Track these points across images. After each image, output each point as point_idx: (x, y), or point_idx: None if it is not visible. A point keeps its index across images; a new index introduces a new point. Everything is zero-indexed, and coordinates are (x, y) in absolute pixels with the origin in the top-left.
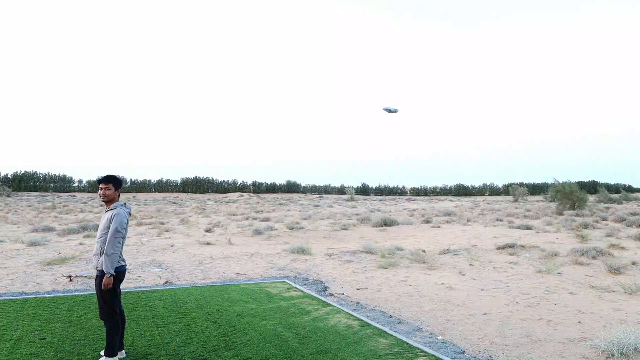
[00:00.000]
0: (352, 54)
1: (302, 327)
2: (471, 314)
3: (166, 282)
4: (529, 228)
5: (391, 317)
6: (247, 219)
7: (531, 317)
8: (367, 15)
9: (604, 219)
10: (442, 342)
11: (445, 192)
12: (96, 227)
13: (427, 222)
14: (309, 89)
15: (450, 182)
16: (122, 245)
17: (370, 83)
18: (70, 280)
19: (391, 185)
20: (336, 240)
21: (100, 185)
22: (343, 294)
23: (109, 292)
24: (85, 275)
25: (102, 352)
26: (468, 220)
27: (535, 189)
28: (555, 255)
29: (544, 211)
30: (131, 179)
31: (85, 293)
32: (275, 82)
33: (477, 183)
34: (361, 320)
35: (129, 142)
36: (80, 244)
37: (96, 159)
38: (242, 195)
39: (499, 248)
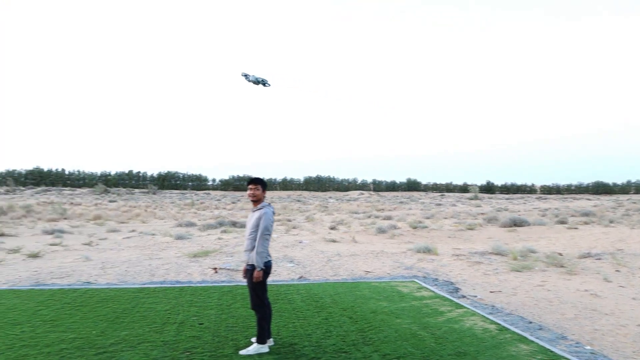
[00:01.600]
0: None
1: (437, 327)
2: (623, 324)
3: (300, 277)
4: None
5: (531, 322)
6: (369, 217)
7: None
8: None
9: None
10: (590, 353)
11: (581, 190)
12: (231, 224)
13: (562, 222)
14: (425, 85)
15: (587, 179)
16: (269, 242)
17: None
18: (216, 272)
19: (519, 183)
20: (462, 240)
21: (250, 186)
22: (476, 296)
23: (259, 285)
24: (228, 267)
25: (252, 339)
26: (610, 222)
27: None
28: None
29: None
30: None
31: (231, 284)
32: (396, 78)
33: (620, 180)
34: (498, 324)
35: (255, 144)
36: (219, 238)
37: (226, 160)
38: (363, 194)
39: None
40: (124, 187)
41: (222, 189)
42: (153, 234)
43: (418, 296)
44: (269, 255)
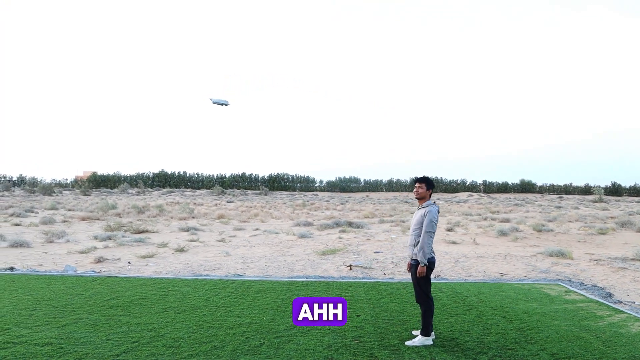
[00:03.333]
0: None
1: (600, 331)
2: None
3: (437, 276)
4: None
5: None
6: (485, 219)
7: None
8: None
9: None
10: None
11: None
12: (347, 223)
13: None
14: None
15: None
16: (433, 239)
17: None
18: (350, 269)
19: None
20: (593, 245)
21: (416, 184)
22: (634, 302)
23: (423, 279)
24: (360, 265)
25: (413, 332)
26: None
27: None
28: None
29: None
30: (364, 179)
31: (372, 280)
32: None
33: None
34: None
35: (355, 146)
36: (339, 237)
37: (332, 163)
38: (472, 195)
39: None
40: (238, 189)
41: (328, 190)
42: (277, 233)
43: (569, 299)
44: (433, 252)
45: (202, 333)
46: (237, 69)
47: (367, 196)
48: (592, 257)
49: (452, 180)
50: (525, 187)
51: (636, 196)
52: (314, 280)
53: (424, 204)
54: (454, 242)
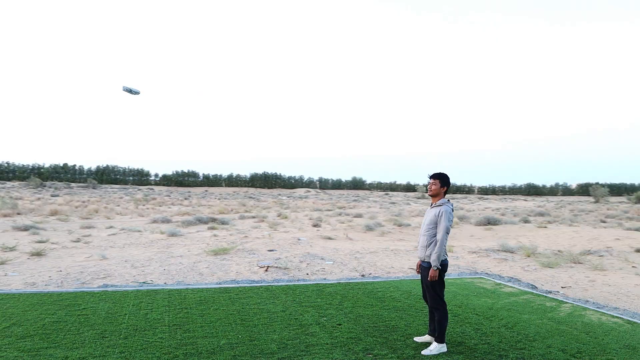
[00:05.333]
0: (407, 51)
1: (571, 322)
2: None
3: (363, 275)
4: None
5: None
6: (339, 214)
7: None
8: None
9: None
10: None
11: (514, 191)
12: (210, 219)
13: (526, 221)
14: (373, 86)
15: (518, 181)
16: (447, 241)
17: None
18: (267, 271)
19: (459, 184)
20: (450, 238)
21: (430, 181)
22: (558, 292)
23: (438, 283)
24: (276, 266)
25: (416, 339)
26: (571, 221)
27: (613, 190)
28: None
29: None
30: (203, 174)
31: (309, 283)
32: (340, 78)
33: (546, 182)
34: (620, 317)
35: (201, 139)
36: (214, 235)
37: (169, 155)
38: (309, 191)
39: (638, 251)
40: (59, 181)
41: (164, 184)
42: (139, 231)
43: (509, 292)
44: (445, 254)
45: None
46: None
47: (206, 191)
48: (467, 250)
49: (291, 177)
50: (357, 184)
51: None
52: (248, 285)
53: (438, 203)
54: (329, 238)
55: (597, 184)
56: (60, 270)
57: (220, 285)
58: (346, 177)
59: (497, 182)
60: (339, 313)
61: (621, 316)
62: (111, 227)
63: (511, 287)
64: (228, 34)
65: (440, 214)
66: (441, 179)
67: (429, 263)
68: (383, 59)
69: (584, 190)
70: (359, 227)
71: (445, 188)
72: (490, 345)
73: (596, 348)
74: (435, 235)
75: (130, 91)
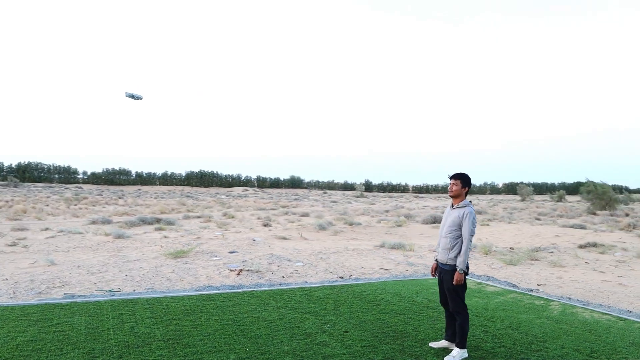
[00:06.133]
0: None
1: (569, 321)
2: None
3: (341, 277)
4: (583, 227)
5: (631, 312)
6: (286, 214)
7: None
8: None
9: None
10: None
11: (446, 190)
12: (155, 220)
13: None
14: (306, 86)
15: (440, 181)
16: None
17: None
18: (239, 274)
19: (394, 183)
20: (398, 236)
21: (451, 181)
22: (539, 289)
23: (460, 287)
24: (248, 269)
25: (431, 344)
26: (510, 219)
27: (536, 189)
28: None
29: (575, 211)
30: (136, 172)
31: (291, 287)
32: (278, 78)
33: (473, 182)
34: (610, 314)
35: (132, 135)
36: (165, 237)
37: (99, 151)
38: (247, 190)
39: (580, 247)
40: None
41: (94, 183)
42: (80, 233)
43: (495, 292)
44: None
45: None
46: None
47: (139, 190)
48: (424, 248)
49: (229, 175)
50: (295, 183)
51: (384, 192)
52: (231, 291)
53: (460, 204)
54: (284, 238)
55: (522, 183)
56: (7, 279)
57: (200, 292)
58: (284, 175)
59: (431, 182)
60: (339, 319)
61: (610, 313)
62: (47, 229)
63: (492, 285)
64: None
65: (464, 216)
66: (462, 179)
67: (452, 266)
68: (333, 55)
69: (510, 189)
70: (310, 226)
71: (467, 189)
72: (506, 348)
73: (607, 347)
74: (458, 237)
75: (132, 97)
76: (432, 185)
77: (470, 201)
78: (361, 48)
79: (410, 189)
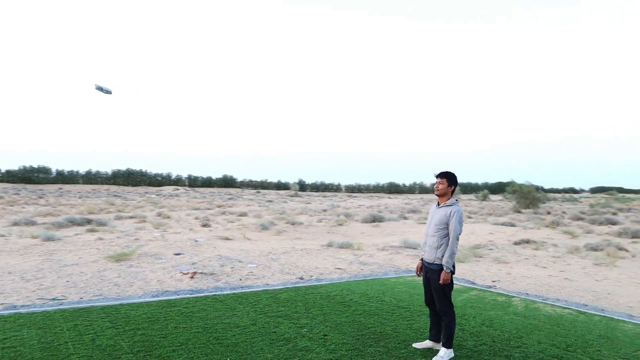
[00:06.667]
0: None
1: (537, 317)
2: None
3: (301, 279)
4: (513, 225)
5: (587, 305)
6: (224, 213)
7: None
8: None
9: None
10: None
11: (377, 189)
12: (85, 221)
13: (405, 218)
14: (236, 84)
15: (371, 180)
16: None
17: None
18: (192, 278)
19: (327, 182)
20: (341, 235)
21: (437, 180)
22: (496, 286)
23: (448, 286)
24: (201, 272)
25: (414, 345)
26: None
27: (462, 188)
28: (577, 250)
29: (501, 209)
30: (57, 169)
31: (254, 290)
32: (207, 73)
33: (402, 181)
34: (569, 308)
35: (49, 129)
36: (100, 238)
37: (14, 146)
38: (178, 189)
39: (516, 243)
40: None
41: (9, 182)
42: (3, 235)
43: (457, 289)
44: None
45: None
46: None
47: (61, 189)
48: (371, 247)
49: (158, 174)
50: (228, 182)
51: (317, 191)
52: (191, 296)
53: (447, 203)
54: (227, 239)
55: None
56: None
57: (159, 298)
58: (216, 174)
59: (363, 181)
60: (314, 322)
61: (569, 307)
62: None
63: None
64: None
65: (452, 215)
66: (448, 177)
67: (439, 265)
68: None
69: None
70: (252, 226)
71: (453, 187)
72: (487, 345)
73: (578, 341)
74: (446, 236)
75: (101, 90)
76: (364, 185)
77: (456, 200)
78: (280, 42)
79: (343, 189)
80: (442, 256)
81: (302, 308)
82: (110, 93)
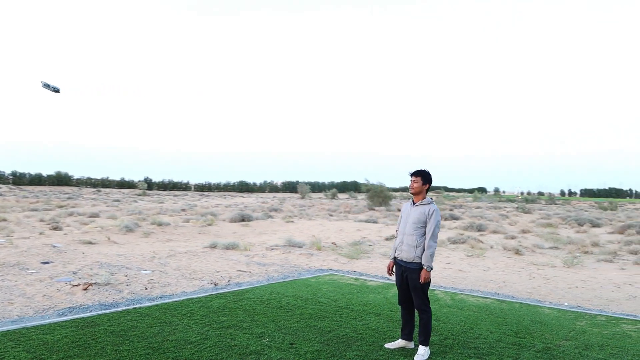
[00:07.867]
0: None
1: (473, 308)
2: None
3: (216, 284)
4: (375, 222)
5: (498, 294)
6: (71, 214)
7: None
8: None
9: None
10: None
11: (228, 188)
12: None
13: (270, 217)
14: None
15: (221, 179)
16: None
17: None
18: (86, 290)
19: (175, 180)
20: (212, 235)
21: (411, 178)
22: None
23: (427, 285)
24: (95, 282)
25: (386, 345)
26: (308, 216)
27: (312, 187)
28: (443, 243)
29: (356, 207)
30: None
31: (177, 300)
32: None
33: (254, 180)
34: (488, 297)
35: None
36: None
37: None
38: (1, 187)
39: (387, 239)
40: None
41: None
42: None
43: (379, 285)
44: None
45: None
46: None
47: None
48: (258, 247)
49: None
50: (62, 180)
51: (164, 190)
52: (109, 311)
53: (424, 201)
54: (89, 242)
55: (298, 182)
56: None
57: (68, 317)
58: (46, 170)
59: (217, 180)
60: (268, 330)
61: (487, 297)
62: None
63: (371, 280)
64: None
65: (430, 213)
66: (423, 176)
67: (418, 264)
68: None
69: (287, 187)
70: (115, 228)
71: (428, 185)
72: (452, 340)
73: (521, 328)
74: (424, 235)
75: (48, 86)
76: (214, 184)
77: (432, 198)
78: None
79: (193, 187)
80: (422, 255)
81: (245, 316)
82: (58, 91)
